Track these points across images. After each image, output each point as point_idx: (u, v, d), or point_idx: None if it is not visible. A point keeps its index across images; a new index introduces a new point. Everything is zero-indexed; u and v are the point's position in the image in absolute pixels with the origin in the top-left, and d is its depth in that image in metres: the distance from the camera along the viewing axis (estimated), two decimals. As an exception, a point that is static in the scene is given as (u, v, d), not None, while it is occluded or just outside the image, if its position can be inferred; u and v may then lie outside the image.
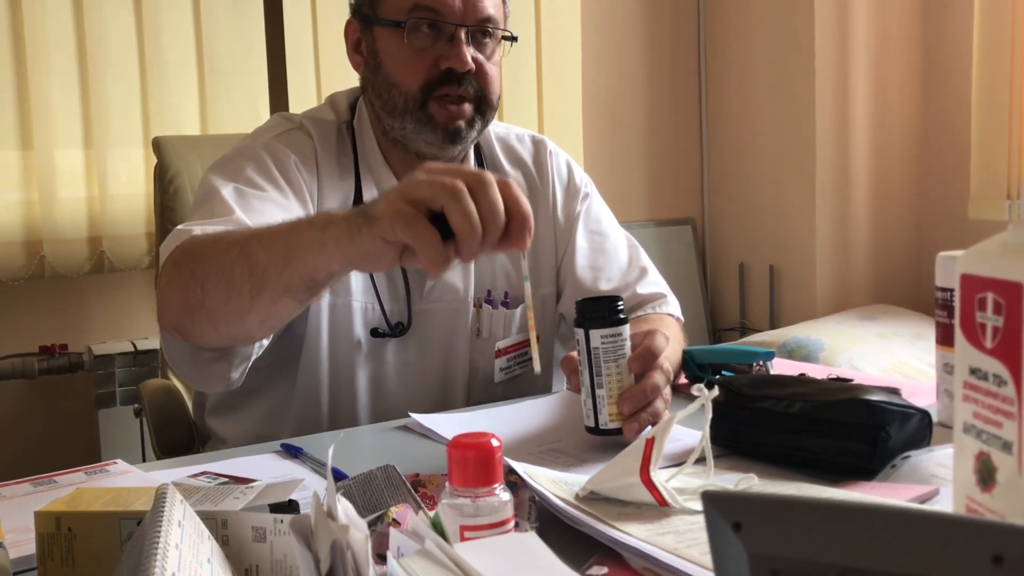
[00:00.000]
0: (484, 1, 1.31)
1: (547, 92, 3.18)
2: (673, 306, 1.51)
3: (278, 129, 1.38)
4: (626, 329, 1.08)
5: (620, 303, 1.09)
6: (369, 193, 1.37)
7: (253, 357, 1.23)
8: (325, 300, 1.34)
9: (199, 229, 1.16)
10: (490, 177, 0.89)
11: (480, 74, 1.32)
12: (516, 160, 1.51)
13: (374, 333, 1.37)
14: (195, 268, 1.10)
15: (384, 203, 0.89)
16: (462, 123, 1.32)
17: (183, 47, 2.63)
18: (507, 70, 3.11)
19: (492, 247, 0.89)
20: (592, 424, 1.08)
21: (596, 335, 1.06)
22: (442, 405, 1.38)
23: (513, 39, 1.38)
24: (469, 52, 1.30)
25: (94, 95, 2.51)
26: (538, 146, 1.53)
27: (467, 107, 1.32)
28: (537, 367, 0.96)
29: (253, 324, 1.11)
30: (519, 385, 1.46)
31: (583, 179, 1.55)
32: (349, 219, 0.94)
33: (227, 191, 1.25)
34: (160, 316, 1.18)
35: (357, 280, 1.36)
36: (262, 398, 1.39)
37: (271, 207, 1.25)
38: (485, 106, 1.35)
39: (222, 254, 1.08)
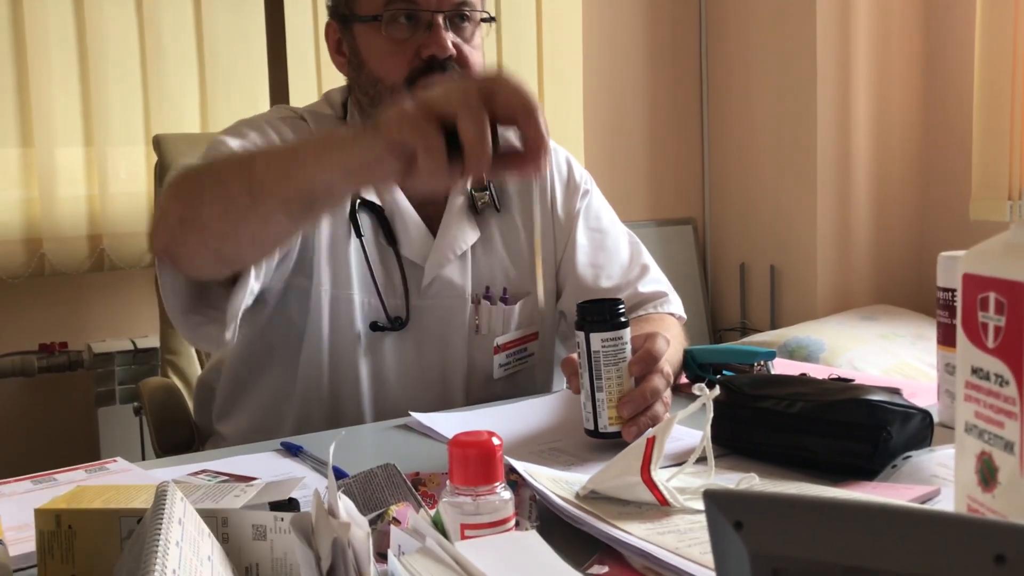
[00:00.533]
0: None
1: (548, 91, 3.18)
2: (675, 304, 1.51)
3: (280, 114, 1.40)
4: (627, 332, 1.08)
5: (621, 306, 1.09)
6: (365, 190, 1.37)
7: (241, 312, 1.19)
8: (325, 292, 1.34)
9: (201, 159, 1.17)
10: (508, 79, 0.86)
11: (462, 58, 1.31)
12: None
13: (373, 327, 1.37)
14: (194, 183, 1.08)
15: (395, 108, 0.87)
16: None
17: (184, 45, 2.63)
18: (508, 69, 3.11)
19: (503, 164, 0.86)
20: (591, 427, 1.08)
21: (597, 339, 1.06)
22: (442, 401, 1.38)
23: (491, 19, 1.37)
24: (448, 37, 1.30)
25: (95, 93, 2.51)
26: None
27: None
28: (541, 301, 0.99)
29: (245, 240, 1.07)
30: (519, 383, 1.46)
31: (583, 175, 1.55)
32: (356, 127, 0.93)
33: (231, 141, 1.27)
34: (154, 237, 1.15)
35: (356, 274, 1.36)
36: (262, 392, 1.39)
37: None
38: None
39: (223, 168, 1.07)
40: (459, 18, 1.32)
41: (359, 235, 1.36)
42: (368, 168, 0.93)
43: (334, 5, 1.39)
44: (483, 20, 1.36)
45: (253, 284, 1.18)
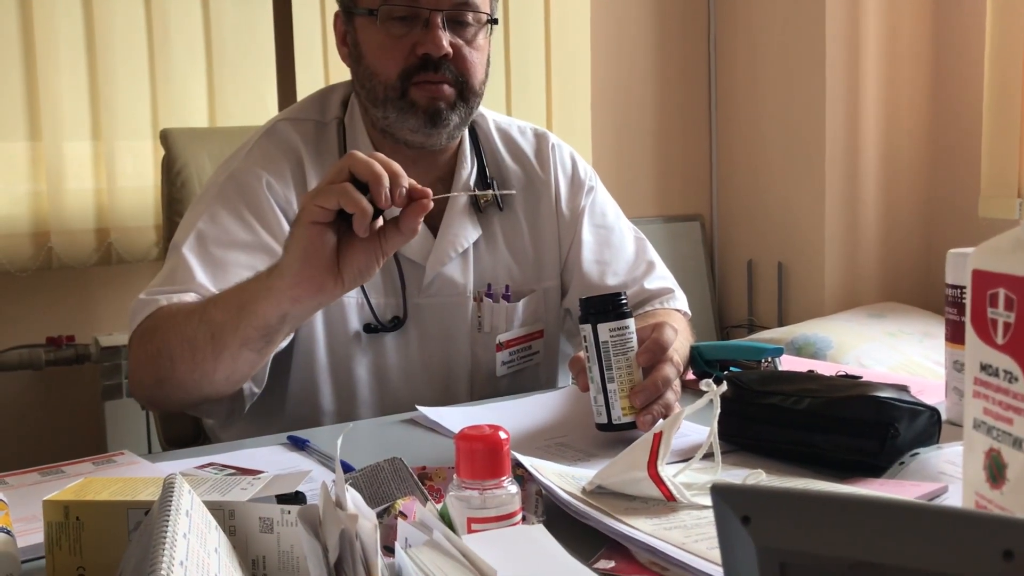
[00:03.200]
0: None
1: (556, 87, 3.18)
2: (680, 301, 1.50)
3: (251, 141, 1.38)
4: (632, 323, 1.08)
5: (623, 297, 1.09)
6: None
7: (248, 401, 1.28)
8: None
9: (164, 299, 1.21)
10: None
11: (458, 59, 1.30)
12: (516, 152, 1.49)
13: (367, 328, 1.37)
14: (160, 345, 1.16)
15: (303, 214, 0.99)
16: (442, 104, 1.30)
17: (191, 39, 2.63)
18: (516, 65, 3.11)
19: (400, 196, 0.98)
20: (604, 420, 1.08)
21: (604, 329, 1.06)
22: (446, 399, 1.37)
23: (493, 21, 1.35)
24: (446, 37, 1.28)
25: (102, 87, 2.51)
26: (540, 139, 1.52)
27: (447, 88, 1.30)
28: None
29: (220, 381, 1.16)
30: (523, 380, 1.46)
31: (588, 172, 1.54)
32: (284, 243, 1.04)
33: (188, 248, 1.26)
34: (133, 391, 1.25)
35: None
36: (257, 400, 1.37)
37: (234, 254, 1.27)
38: (468, 92, 1.33)
39: (184, 324, 1.14)
40: (461, 19, 1.30)
41: None
42: (305, 257, 1.00)
43: None
44: (487, 22, 1.34)
45: (252, 390, 1.28)
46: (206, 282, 1.23)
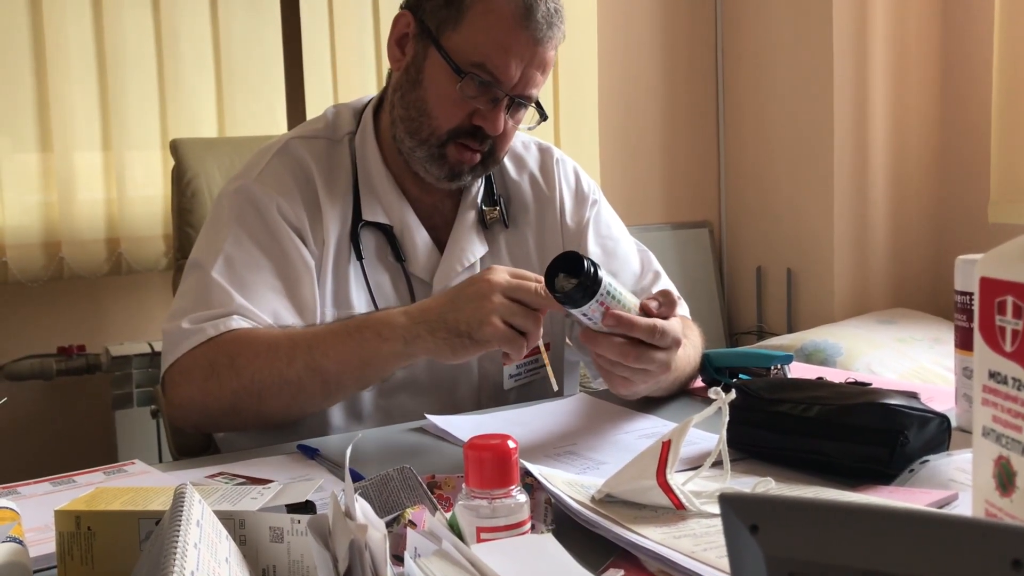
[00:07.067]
0: (539, 78, 1.32)
1: (563, 95, 3.18)
2: (684, 310, 1.50)
3: (263, 161, 1.37)
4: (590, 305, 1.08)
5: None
6: (371, 210, 1.37)
7: None
8: (329, 312, 1.35)
9: (212, 328, 1.22)
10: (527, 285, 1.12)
11: (501, 136, 1.33)
12: (521, 168, 1.50)
13: None
14: (247, 382, 1.19)
15: (489, 328, 1.10)
16: (467, 167, 1.35)
17: (201, 49, 2.64)
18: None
19: None
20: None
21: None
22: (453, 412, 1.37)
23: (543, 117, 1.39)
24: (502, 118, 1.31)
25: (113, 98, 2.52)
26: (544, 154, 1.53)
27: (477, 156, 1.34)
28: (555, 386, 1.19)
29: (313, 413, 1.27)
30: (529, 393, 1.46)
31: (591, 186, 1.55)
32: (449, 338, 1.13)
33: (218, 270, 1.27)
34: (182, 417, 1.26)
35: (358, 297, 1.35)
36: None
37: (262, 276, 1.29)
38: (492, 161, 1.37)
39: (284, 366, 1.18)
40: (522, 102, 1.33)
41: (360, 257, 1.36)
42: (459, 360, 1.16)
43: (417, 3, 1.34)
44: (539, 115, 1.38)
45: None
46: (248, 305, 1.25)
